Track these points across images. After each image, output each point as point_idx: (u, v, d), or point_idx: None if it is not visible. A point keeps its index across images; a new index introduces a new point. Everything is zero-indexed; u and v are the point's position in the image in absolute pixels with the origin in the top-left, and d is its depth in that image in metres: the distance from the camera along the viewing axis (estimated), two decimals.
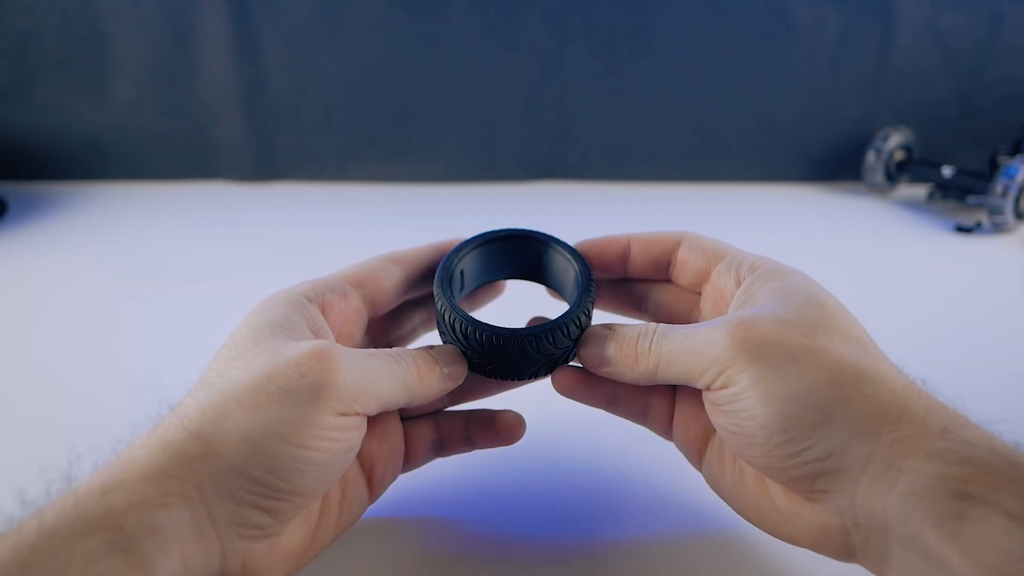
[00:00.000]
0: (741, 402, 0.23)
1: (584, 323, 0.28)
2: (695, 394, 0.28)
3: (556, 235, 0.32)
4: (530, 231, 0.32)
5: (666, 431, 0.30)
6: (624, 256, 0.31)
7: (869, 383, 0.22)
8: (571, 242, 0.32)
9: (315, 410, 0.22)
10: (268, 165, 0.89)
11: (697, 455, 0.29)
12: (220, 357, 0.25)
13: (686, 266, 0.30)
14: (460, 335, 0.28)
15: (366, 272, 0.30)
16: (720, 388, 0.24)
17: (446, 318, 0.28)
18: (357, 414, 0.23)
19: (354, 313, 0.29)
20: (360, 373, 0.23)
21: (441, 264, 0.30)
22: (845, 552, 0.23)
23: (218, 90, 0.85)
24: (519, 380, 0.29)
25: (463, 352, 0.29)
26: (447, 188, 0.90)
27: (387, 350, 0.26)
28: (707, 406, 0.26)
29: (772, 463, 0.23)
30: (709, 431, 0.28)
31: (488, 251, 0.32)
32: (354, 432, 0.24)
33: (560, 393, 0.30)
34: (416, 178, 0.91)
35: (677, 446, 0.30)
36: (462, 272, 0.31)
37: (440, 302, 0.29)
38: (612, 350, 0.27)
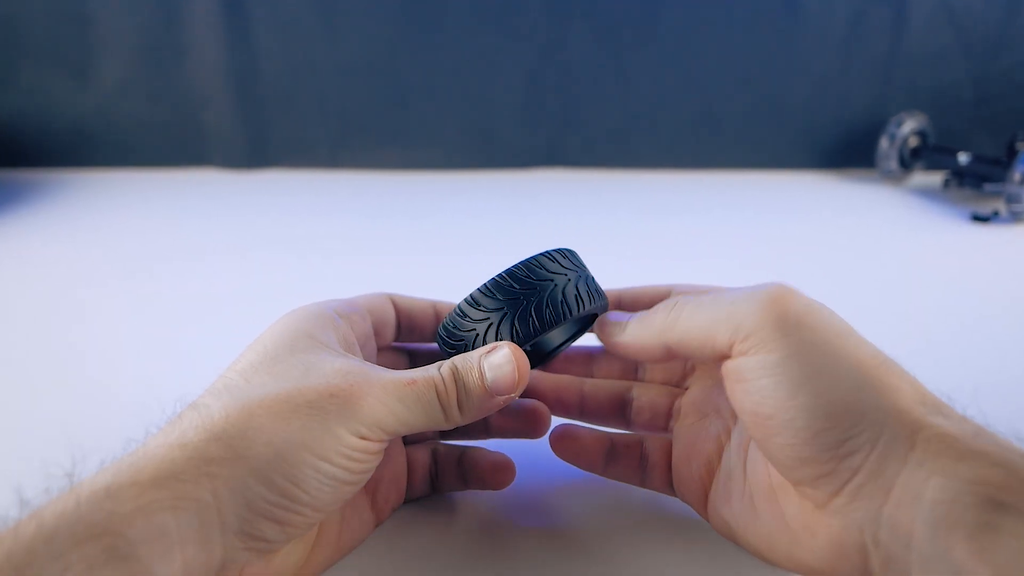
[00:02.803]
0: (778, 376, 0.21)
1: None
2: (695, 429, 0.28)
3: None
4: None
5: (665, 480, 0.29)
6: (618, 307, 0.31)
7: (906, 377, 0.21)
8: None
9: (341, 428, 0.22)
10: (259, 152, 0.87)
11: (701, 493, 0.27)
12: (247, 361, 0.24)
13: None
14: (485, 294, 0.26)
15: (373, 303, 0.30)
16: (748, 352, 0.21)
17: (464, 304, 0.26)
18: (380, 440, 0.23)
19: (370, 337, 0.29)
20: (391, 403, 0.23)
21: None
22: None
23: (208, 75, 0.83)
24: (549, 326, 0.27)
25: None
26: (445, 176, 0.88)
27: (430, 374, 0.24)
28: (731, 383, 0.23)
29: (806, 452, 0.20)
30: (712, 464, 0.27)
31: None
32: (374, 456, 0.23)
33: (558, 454, 0.30)
34: (413, 166, 0.89)
35: (679, 492, 0.28)
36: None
37: (449, 316, 0.27)
38: (633, 321, 0.26)
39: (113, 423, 0.36)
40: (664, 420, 0.30)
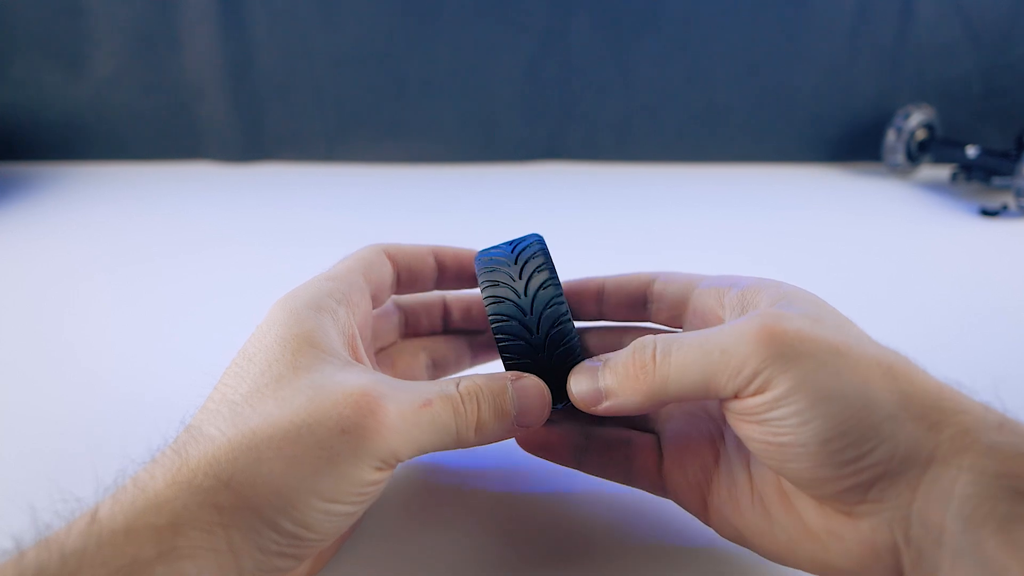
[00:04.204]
0: (786, 408, 0.20)
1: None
2: (684, 430, 0.27)
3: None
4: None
5: (656, 483, 0.27)
6: (598, 297, 0.30)
7: (918, 376, 0.21)
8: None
9: (354, 469, 0.21)
10: (255, 145, 0.86)
11: (700, 500, 0.26)
12: (247, 375, 0.23)
13: (663, 299, 0.29)
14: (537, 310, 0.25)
15: (369, 265, 0.29)
16: (754, 394, 0.21)
17: (541, 282, 0.25)
18: (393, 467, 0.23)
19: (370, 312, 0.28)
20: (408, 430, 0.22)
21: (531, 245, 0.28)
22: None
23: (202, 66, 0.81)
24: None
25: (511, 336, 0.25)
26: (444, 169, 0.87)
27: (448, 392, 0.23)
28: (734, 419, 0.22)
29: (824, 473, 0.20)
30: (710, 468, 0.26)
31: None
32: (385, 482, 0.23)
33: (525, 448, 0.29)
34: (411, 159, 0.88)
35: (674, 498, 0.27)
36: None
37: (541, 260, 0.26)
38: (609, 379, 0.24)
39: (107, 417, 0.36)
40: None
